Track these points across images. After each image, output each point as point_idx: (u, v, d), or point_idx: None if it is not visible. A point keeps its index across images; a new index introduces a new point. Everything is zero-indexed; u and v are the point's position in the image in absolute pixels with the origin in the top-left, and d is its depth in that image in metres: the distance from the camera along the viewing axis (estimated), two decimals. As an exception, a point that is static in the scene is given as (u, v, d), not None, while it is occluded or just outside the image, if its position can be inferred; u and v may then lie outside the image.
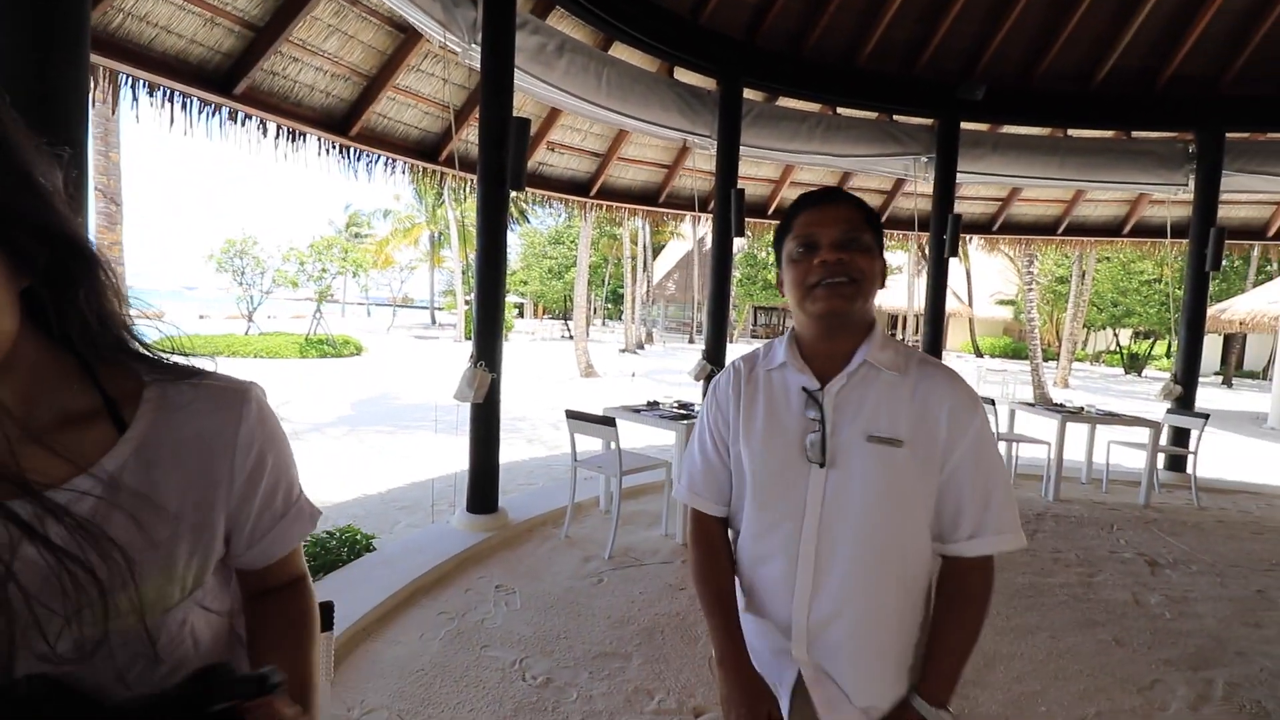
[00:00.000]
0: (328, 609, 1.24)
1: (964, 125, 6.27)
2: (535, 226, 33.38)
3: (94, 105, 4.24)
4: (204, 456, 0.60)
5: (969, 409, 0.98)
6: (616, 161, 6.81)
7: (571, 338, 22.33)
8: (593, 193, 6.89)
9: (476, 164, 3.86)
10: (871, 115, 6.43)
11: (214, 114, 4.27)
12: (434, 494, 4.91)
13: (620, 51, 5.44)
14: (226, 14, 3.93)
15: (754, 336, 34.07)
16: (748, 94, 5.70)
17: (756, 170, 7.42)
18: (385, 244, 33.41)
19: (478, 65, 3.92)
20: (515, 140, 3.81)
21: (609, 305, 43.38)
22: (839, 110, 6.39)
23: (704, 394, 5.91)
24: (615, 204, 7.17)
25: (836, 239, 0.98)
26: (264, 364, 15.67)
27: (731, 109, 5.51)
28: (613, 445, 3.78)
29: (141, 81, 3.92)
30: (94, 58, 3.61)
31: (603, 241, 29.34)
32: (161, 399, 0.60)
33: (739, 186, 5.49)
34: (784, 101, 6.26)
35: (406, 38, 4.76)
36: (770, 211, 7.78)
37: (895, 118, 6.53)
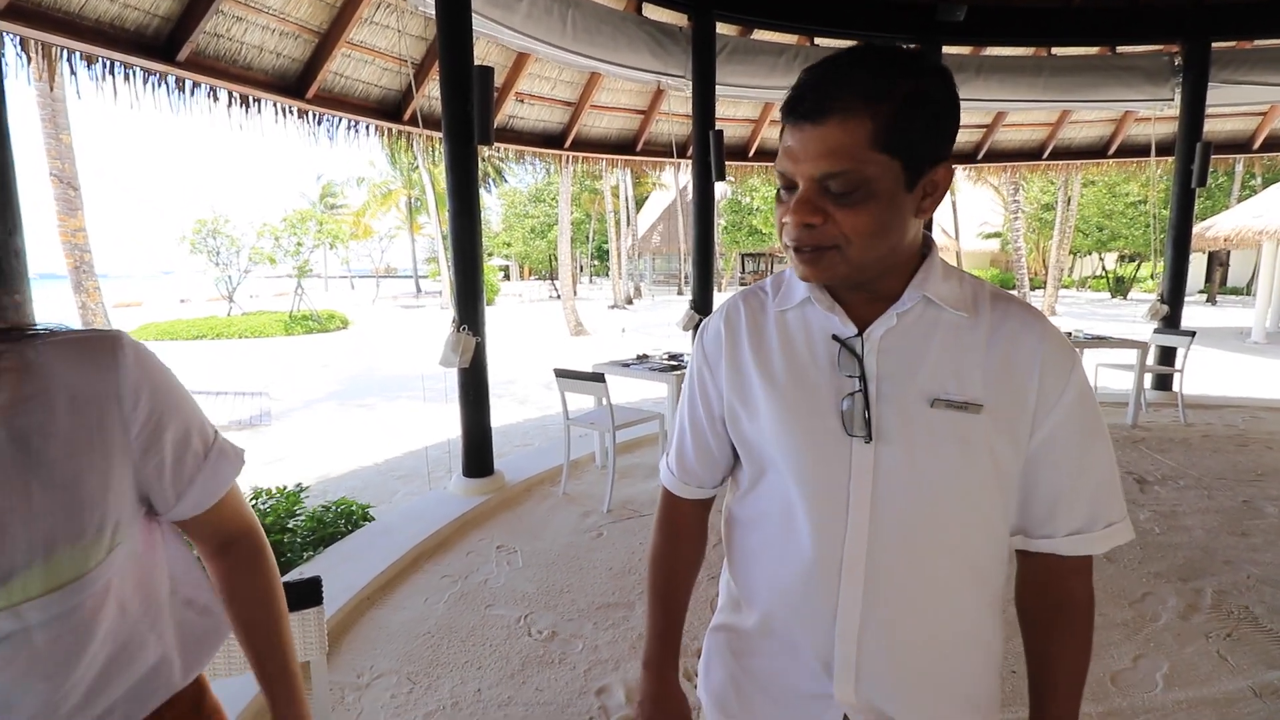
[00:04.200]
0: (315, 585, 1.21)
1: (946, 49, 6.07)
2: (515, 185, 32.69)
3: (31, 83, 4.02)
4: (85, 415, 0.55)
5: (1065, 361, 0.73)
6: (589, 110, 6.57)
7: (559, 297, 22.14)
8: (567, 144, 6.67)
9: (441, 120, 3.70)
10: (850, 44, 6.20)
11: (160, 84, 4.05)
12: (429, 461, 4.90)
13: (585, -9, 5.17)
14: (159, -28, 3.68)
15: (742, 284, 33.95)
16: (721, 29, 5.47)
17: (735, 110, 7.20)
18: (362, 213, 32.66)
19: (432, 12, 3.71)
20: (480, 91, 3.64)
21: (595, 262, 42.92)
22: (816, 41, 6.16)
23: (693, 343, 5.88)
24: (591, 155, 6.96)
25: (812, 183, 0.67)
26: (249, 344, 15.47)
27: (704, 46, 5.29)
28: (604, 401, 3.76)
29: (78, 54, 3.69)
30: (21, 30, 3.39)
31: (584, 197, 28.80)
32: (20, 364, 0.53)
33: (717, 128, 5.32)
34: (759, 35, 6.02)
35: (356, -12, 4.49)
36: (751, 153, 7.60)
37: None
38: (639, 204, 33.58)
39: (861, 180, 0.65)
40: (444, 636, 2.47)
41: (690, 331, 5.69)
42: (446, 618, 2.60)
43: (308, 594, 1.22)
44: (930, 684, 0.76)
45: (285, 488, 3.45)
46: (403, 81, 5.31)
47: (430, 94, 5.41)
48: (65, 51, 3.66)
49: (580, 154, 6.85)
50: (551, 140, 6.65)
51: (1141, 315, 6.90)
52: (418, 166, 27.40)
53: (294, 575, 2.88)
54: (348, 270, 53.86)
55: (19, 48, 3.52)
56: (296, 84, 4.70)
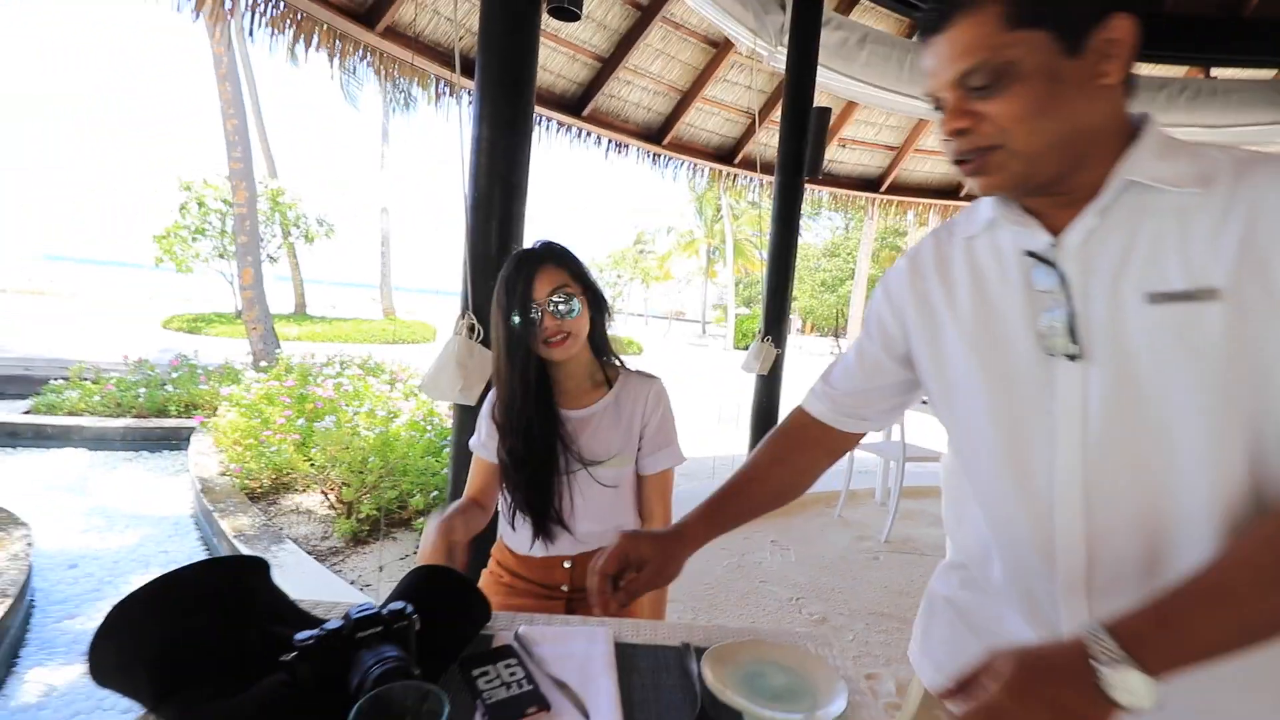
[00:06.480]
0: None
1: None
2: (809, 241, 33.05)
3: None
4: (632, 409, 1.26)
5: None
6: (912, 154, 6.55)
7: (841, 352, 21.57)
8: (883, 188, 6.73)
9: (773, 162, 4.18)
10: (1267, 74, 5.13)
11: (566, 132, 5.33)
12: (714, 463, 5.35)
13: (926, 38, 5.27)
14: (584, 50, 4.89)
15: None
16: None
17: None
18: (666, 258, 36.37)
19: (782, 67, 4.23)
20: (815, 129, 4.02)
21: (883, 323, 40.65)
22: (1212, 72, 5.24)
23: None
24: (907, 199, 6.89)
25: (952, 88, 0.62)
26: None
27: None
28: (894, 435, 3.71)
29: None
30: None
31: (883, 254, 27.80)
32: (621, 381, 1.28)
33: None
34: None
35: (717, 51, 5.31)
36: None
37: (1302, 74, 5.10)
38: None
39: (1001, 66, 0.58)
40: (722, 591, 2.75)
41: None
42: (724, 579, 2.88)
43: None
44: None
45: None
46: (739, 130, 6.02)
47: (762, 141, 6.03)
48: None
49: (895, 198, 6.84)
50: (867, 184, 6.78)
51: None
52: (721, 218, 29.63)
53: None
54: (645, 309, 60.12)
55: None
56: (657, 133, 5.70)
